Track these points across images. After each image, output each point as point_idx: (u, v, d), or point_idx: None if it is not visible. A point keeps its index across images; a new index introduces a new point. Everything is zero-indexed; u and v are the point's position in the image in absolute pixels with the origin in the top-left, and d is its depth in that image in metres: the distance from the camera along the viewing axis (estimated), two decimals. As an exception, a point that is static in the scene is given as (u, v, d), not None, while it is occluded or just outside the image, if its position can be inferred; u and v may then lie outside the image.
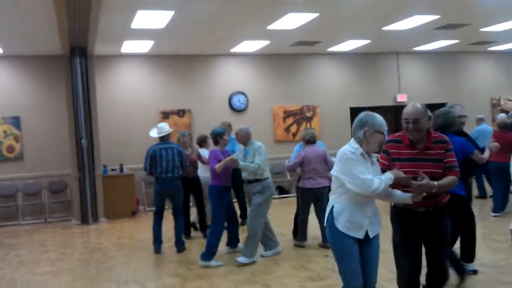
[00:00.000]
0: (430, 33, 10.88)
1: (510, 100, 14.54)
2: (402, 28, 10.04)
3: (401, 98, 13.51)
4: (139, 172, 10.94)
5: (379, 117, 3.59)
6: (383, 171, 3.61)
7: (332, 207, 3.56)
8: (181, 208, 7.34)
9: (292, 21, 8.92)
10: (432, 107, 14.69)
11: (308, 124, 12.52)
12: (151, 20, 8.32)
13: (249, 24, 9.10)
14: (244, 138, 6.49)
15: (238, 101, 12.29)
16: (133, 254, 7.26)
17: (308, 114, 12.74)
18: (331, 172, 3.64)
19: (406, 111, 3.68)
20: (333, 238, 3.58)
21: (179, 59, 11.88)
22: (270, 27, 9.28)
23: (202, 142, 8.16)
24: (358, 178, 3.40)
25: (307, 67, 12.92)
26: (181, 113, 11.77)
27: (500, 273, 5.33)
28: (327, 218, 3.58)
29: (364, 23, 9.66)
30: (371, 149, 3.58)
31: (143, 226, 9.34)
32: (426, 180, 3.39)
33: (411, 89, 13.69)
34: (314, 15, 8.58)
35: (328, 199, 3.72)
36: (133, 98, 11.57)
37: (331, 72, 13.15)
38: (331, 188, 3.65)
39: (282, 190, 12.05)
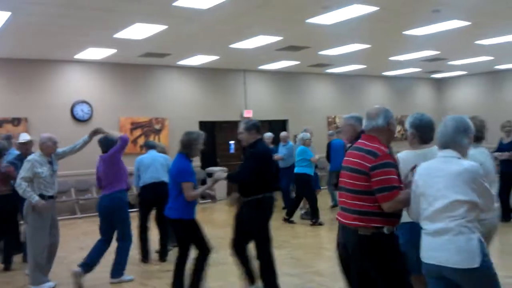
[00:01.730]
0: (273, 54, 11.48)
1: (344, 119, 15.88)
2: (248, 46, 10.45)
3: (247, 113, 14.02)
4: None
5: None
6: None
7: (480, 240, 2.80)
8: None
9: (140, 31, 8.78)
10: (274, 123, 15.44)
11: (157, 137, 12.37)
12: (-18, 19, 7.60)
13: (94, 30, 8.75)
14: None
15: (81, 111, 11.69)
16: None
17: (157, 127, 12.58)
18: (460, 198, 2.82)
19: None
20: (491, 275, 2.83)
21: (16, 63, 10.95)
22: (117, 35, 9.02)
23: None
24: (492, 194, 2.88)
25: (156, 79, 12.79)
26: (16, 121, 10.84)
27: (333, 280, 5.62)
28: (482, 254, 2.78)
29: (212, 39, 9.86)
30: None
31: None
32: None
33: (257, 105, 14.28)
34: (162, 27, 8.54)
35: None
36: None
37: (181, 85, 13.18)
38: (460, 219, 2.82)
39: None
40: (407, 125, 3.68)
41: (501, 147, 8.40)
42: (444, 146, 2.95)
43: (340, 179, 3.39)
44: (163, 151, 7.50)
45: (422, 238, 2.99)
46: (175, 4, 7.15)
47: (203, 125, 13.30)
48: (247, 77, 14.25)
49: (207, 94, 13.58)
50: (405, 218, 3.39)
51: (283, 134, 11.05)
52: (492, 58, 13.70)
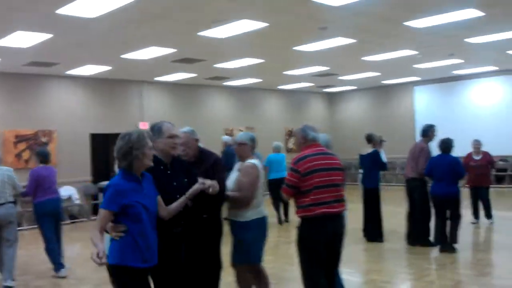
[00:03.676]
0: (169, 65, 11.35)
1: (241, 131, 16.07)
2: (142, 57, 10.24)
3: (143, 126, 13.70)
4: None
5: None
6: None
7: None
8: None
9: (24, 39, 8.29)
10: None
11: (44, 150, 11.69)
12: None
13: (-29, 37, 8.14)
14: None
15: (-42, 123, 10.82)
16: None
17: (44, 139, 11.90)
18: None
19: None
20: None
21: None
22: (-3, 43, 8.46)
23: None
24: None
25: (43, 89, 12.13)
26: None
27: None
28: None
29: (102, 49, 9.53)
30: None
31: None
32: None
33: (154, 117, 13.93)
34: (47, 36, 8.12)
35: None
36: None
37: (70, 96, 12.61)
38: None
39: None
40: (245, 139, 4.49)
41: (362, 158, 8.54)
42: (326, 147, 4.31)
43: (322, 178, 3.93)
44: None
45: None
46: (58, 12, 6.82)
47: (94, 137, 12.83)
48: (143, 88, 13.96)
49: (100, 105, 13.11)
50: (256, 214, 4.30)
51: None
52: (378, 73, 14.55)
